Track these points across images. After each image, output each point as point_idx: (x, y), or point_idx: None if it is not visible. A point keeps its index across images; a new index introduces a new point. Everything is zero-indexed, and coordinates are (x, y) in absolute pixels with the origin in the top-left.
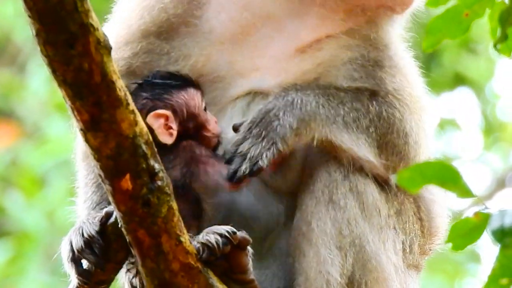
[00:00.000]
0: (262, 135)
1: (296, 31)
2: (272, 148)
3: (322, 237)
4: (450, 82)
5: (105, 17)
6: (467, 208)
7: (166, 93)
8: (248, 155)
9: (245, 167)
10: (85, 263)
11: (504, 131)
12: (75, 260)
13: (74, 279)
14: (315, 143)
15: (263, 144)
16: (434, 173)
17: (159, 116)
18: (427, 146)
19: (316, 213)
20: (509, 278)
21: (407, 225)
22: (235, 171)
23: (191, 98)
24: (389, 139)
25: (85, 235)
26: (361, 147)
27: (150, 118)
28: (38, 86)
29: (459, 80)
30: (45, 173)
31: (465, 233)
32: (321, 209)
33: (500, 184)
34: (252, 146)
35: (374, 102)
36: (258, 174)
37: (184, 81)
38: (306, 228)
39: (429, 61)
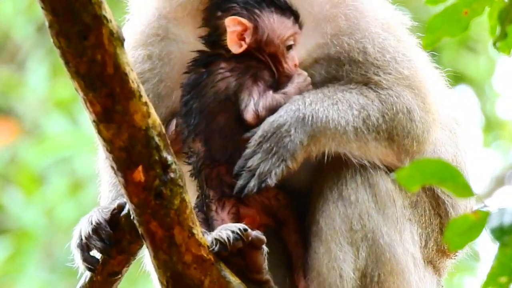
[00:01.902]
0: (273, 151)
1: None
2: (281, 166)
3: (331, 234)
4: (449, 80)
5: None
6: None
7: (259, 7)
8: (257, 171)
9: (253, 184)
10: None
11: (503, 129)
12: (82, 247)
13: (80, 266)
14: (325, 158)
15: (273, 161)
16: (433, 171)
17: (239, 23)
18: (438, 112)
19: (324, 211)
20: (508, 276)
21: (423, 218)
22: (243, 187)
23: (280, 27)
24: (397, 122)
25: (94, 222)
26: (370, 150)
27: (228, 21)
28: (37, 83)
29: (458, 78)
30: (44, 171)
31: (464, 231)
32: (329, 207)
33: (500, 182)
34: (261, 162)
35: (377, 90)
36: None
37: (286, 10)
38: (316, 227)
39: (428, 59)
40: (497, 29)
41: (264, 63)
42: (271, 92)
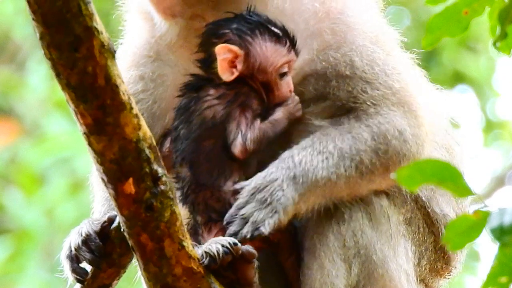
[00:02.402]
0: (267, 202)
1: None
2: (274, 217)
3: (324, 251)
4: (449, 80)
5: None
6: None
7: (252, 34)
8: (251, 219)
9: (246, 231)
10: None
11: (503, 129)
12: (71, 258)
13: (69, 277)
14: (315, 212)
15: (267, 211)
16: (433, 171)
17: (229, 50)
18: (431, 124)
19: (318, 228)
20: (508, 276)
21: (417, 236)
22: (235, 233)
23: (274, 55)
24: (392, 152)
25: (83, 234)
26: (363, 189)
27: (218, 48)
28: (38, 83)
29: (458, 78)
30: (44, 171)
31: (464, 231)
32: (323, 223)
33: (500, 182)
34: (255, 210)
35: (368, 124)
36: (257, 239)
37: (282, 37)
38: (309, 243)
39: (428, 59)
40: (497, 29)
41: (255, 90)
42: (258, 122)
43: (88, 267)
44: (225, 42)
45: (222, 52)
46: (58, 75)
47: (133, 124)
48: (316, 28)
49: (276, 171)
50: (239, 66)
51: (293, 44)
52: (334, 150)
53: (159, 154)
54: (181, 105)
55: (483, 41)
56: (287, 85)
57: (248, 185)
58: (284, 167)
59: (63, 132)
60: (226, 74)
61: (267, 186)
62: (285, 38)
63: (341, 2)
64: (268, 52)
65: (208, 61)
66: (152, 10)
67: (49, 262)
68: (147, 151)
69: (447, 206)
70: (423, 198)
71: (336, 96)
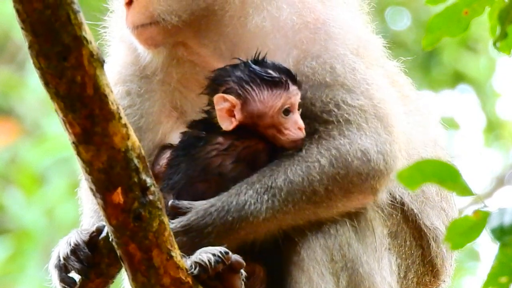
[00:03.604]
0: (196, 242)
1: None
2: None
3: (313, 265)
4: (450, 80)
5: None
6: (467, 207)
7: (250, 83)
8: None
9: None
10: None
11: (504, 129)
12: (60, 267)
13: (57, 286)
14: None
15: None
16: (433, 171)
17: (226, 100)
18: (399, 137)
19: (304, 243)
20: (509, 276)
21: (403, 249)
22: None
23: (271, 98)
24: (352, 174)
25: (72, 244)
26: (323, 214)
27: (216, 98)
28: (38, 84)
29: (459, 78)
30: (44, 171)
31: (464, 231)
32: (310, 238)
33: (500, 182)
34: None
35: (329, 148)
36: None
37: (278, 78)
38: (297, 257)
39: (428, 59)
40: (497, 29)
41: (264, 139)
42: None
43: (77, 277)
44: (225, 90)
45: (219, 101)
46: (46, 84)
47: (121, 133)
48: (296, 39)
49: (214, 212)
50: (238, 115)
51: (292, 80)
52: (284, 185)
53: (148, 164)
54: (188, 139)
55: (483, 41)
56: (294, 123)
57: (183, 219)
58: (225, 208)
59: (63, 132)
60: (225, 123)
61: (199, 227)
62: (283, 78)
63: (323, 13)
64: (264, 96)
65: (210, 109)
66: (134, 41)
67: (49, 262)
68: (136, 160)
69: (437, 220)
70: (414, 211)
71: (308, 111)
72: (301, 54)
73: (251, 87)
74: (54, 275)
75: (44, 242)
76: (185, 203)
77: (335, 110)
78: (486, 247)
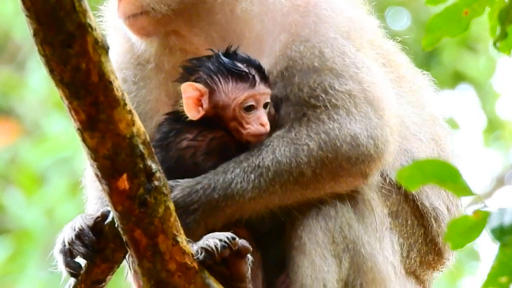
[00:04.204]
0: (182, 219)
1: None
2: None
3: (315, 248)
4: (450, 80)
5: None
6: (467, 206)
7: (218, 73)
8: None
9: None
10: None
11: (504, 129)
12: (65, 252)
13: (63, 272)
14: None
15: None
16: (433, 171)
17: (195, 89)
18: (390, 119)
19: (306, 226)
20: (509, 276)
21: (405, 229)
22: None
23: (235, 91)
24: (341, 158)
25: (77, 229)
26: (310, 195)
27: (183, 86)
28: (38, 83)
29: (459, 78)
30: (44, 171)
31: (464, 231)
32: (310, 222)
33: (500, 182)
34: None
35: (319, 131)
36: None
37: (245, 72)
38: (298, 241)
39: (428, 59)
40: (497, 29)
41: (226, 130)
42: None
43: (82, 262)
44: (195, 79)
45: (187, 90)
46: (51, 71)
47: (126, 120)
48: (283, 23)
49: (200, 189)
50: (205, 105)
51: (262, 78)
52: (271, 165)
53: (153, 150)
54: (162, 131)
55: (483, 41)
56: (257, 119)
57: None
58: (211, 185)
59: (63, 132)
60: (191, 112)
61: (185, 204)
62: (250, 73)
63: None
64: (229, 89)
65: (180, 99)
66: (127, 31)
67: (49, 262)
68: (141, 147)
69: (437, 199)
70: (412, 192)
71: (296, 96)
72: (289, 38)
73: (218, 78)
74: (59, 260)
75: (44, 242)
76: (170, 182)
77: (323, 95)
78: (486, 247)
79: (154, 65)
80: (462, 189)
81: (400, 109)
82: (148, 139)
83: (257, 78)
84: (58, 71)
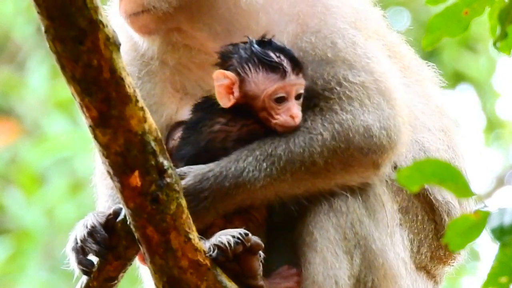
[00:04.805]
0: (192, 205)
1: None
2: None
3: (326, 245)
4: (450, 80)
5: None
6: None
7: (250, 62)
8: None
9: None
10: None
11: (504, 129)
12: (77, 250)
13: (75, 269)
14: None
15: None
16: (434, 171)
17: (225, 77)
18: (402, 113)
19: (317, 223)
20: (509, 276)
21: (415, 224)
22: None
23: (264, 82)
24: (353, 149)
25: (89, 226)
26: (320, 185)
27: (215, 74)
28: (38, 83)
29: (459, 78)
30: (44, 171)
31: (464, 231)
32: (321, 218)
33: (500, 182)
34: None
35: (332, 121)
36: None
37: (275, 64)
38: (310, 238)
39: (428, 59)
40: (497, 29)
41: (257, 118)
42: None
43: (95, 259)
44: (228, 66)
45: (219, 77)
46: (63, 68)
47: (138, 116)
48: (290, 14)
49: (212, 177)
50: (236, 93)
51: (294, 68)
52: (284, 154)
53: (165, 146)
54: (195, 114)
55: (483, 41)
56: (287, 110)
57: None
58: (223, 173)
59: (63, 132)
60: (223, 100)
61: (195, 191)
62: (282, 64)
63: None
64: (258, 79)
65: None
66: (129, 30)
67: (49, 262)
68: (153, 143)
69: (449, 193)
70: (424, 186)
71: (311, 88)
72: (298, 29)
73: (249, 67)
74: (72, 258)
75: (44, 242)
76: (183, 168)
77: (337, 88)
78: (486, 247)
79: (158, 61)
80: (462, 189)
81: (408, 98)
82: (160, 136)
83: (288, 68)
84: (69, 68)
